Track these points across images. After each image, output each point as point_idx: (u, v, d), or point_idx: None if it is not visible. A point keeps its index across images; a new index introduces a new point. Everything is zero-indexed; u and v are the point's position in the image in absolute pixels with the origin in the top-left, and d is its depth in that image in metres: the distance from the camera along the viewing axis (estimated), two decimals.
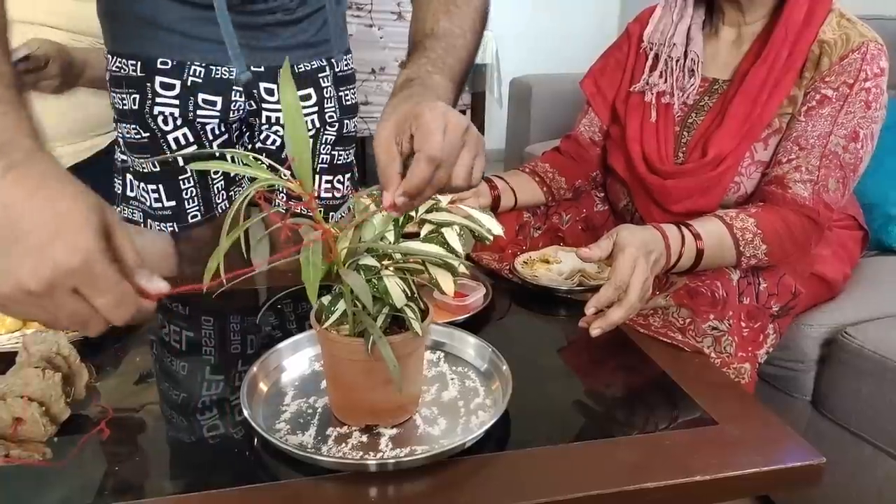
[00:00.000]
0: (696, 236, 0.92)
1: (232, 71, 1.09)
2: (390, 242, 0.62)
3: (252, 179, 0.56)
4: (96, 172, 1.53)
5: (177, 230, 1.18)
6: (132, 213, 1.20)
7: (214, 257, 0.54)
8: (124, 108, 1.12)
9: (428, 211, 0.64)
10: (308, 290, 0.52)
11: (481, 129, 3.44)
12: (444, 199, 0.66)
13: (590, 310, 0.82)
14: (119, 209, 1.22)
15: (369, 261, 0.60)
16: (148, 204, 1.17)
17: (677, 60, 1.12)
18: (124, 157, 1.18)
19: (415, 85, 0.73)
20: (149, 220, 1.18)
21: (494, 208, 1.15)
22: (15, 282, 0.48)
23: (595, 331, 0.80)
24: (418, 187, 0.60)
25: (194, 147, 1.13)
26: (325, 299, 0.64)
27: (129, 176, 1.18)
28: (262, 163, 0.57)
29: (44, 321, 0.52)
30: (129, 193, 1.20)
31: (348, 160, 1.26)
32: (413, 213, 0.64)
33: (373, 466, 0.60)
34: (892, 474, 1.07)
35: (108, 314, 0.50)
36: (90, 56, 1.44)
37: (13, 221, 0.48)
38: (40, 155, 0.52)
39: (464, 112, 3.87)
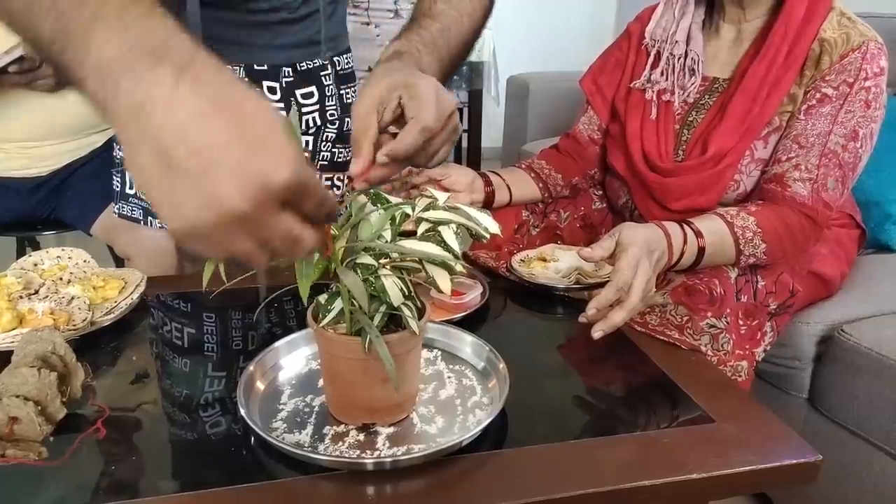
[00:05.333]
0: (698, 234, 0.92)
1: (235, 70, 1.09)
2: (387, 241, 0.61)
3: None
4: (93, 170, 1.53)
5: None
6: (131, 211, 1.20)
7: (211, 259, 0.53)
8: None
9: (425, 209, 0.64)
10: (300, 289, 0.51)
11: (478, 127, 3.42)
12: (442, 197, 0.66)
13: (591, 311, 0.81)
14: (118, 206, 1.22)
15: (367, 259, 0.59)
16: (148, 201, 1.16)
17: (679, 58, 1.12)
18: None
19: (404, 59, 0.72)
20: (149, 218, 1.18)
21: (489, 204, 1.15)
22: (219, 206, 0.41)
23: (597, 333, 0.80)
24: (406, 152, 0.60)
25: None
26: (322, 297, 0.64)
27: (128, 173, 1.18)
28: None
29: (248, 254, 0.45)
30: (127, 191, 1.19)
31: (350, 158, 1.26)
32: (410, 212, 0.64)
33: (370, 465, 0.60)
34: (888, 471, 1.08)
35: (316, 219, 0.47)
36: None
37: (203, 138, 0.40)
38: (205, 55, 0.44)
39: (460, 110, 3.85)
